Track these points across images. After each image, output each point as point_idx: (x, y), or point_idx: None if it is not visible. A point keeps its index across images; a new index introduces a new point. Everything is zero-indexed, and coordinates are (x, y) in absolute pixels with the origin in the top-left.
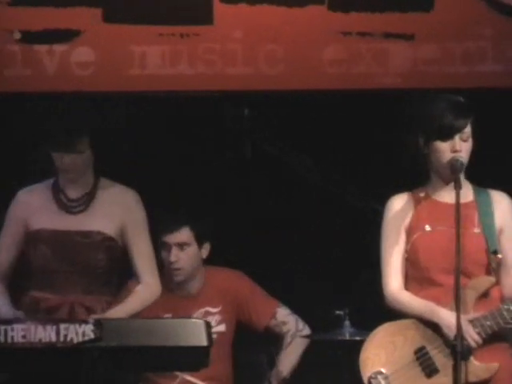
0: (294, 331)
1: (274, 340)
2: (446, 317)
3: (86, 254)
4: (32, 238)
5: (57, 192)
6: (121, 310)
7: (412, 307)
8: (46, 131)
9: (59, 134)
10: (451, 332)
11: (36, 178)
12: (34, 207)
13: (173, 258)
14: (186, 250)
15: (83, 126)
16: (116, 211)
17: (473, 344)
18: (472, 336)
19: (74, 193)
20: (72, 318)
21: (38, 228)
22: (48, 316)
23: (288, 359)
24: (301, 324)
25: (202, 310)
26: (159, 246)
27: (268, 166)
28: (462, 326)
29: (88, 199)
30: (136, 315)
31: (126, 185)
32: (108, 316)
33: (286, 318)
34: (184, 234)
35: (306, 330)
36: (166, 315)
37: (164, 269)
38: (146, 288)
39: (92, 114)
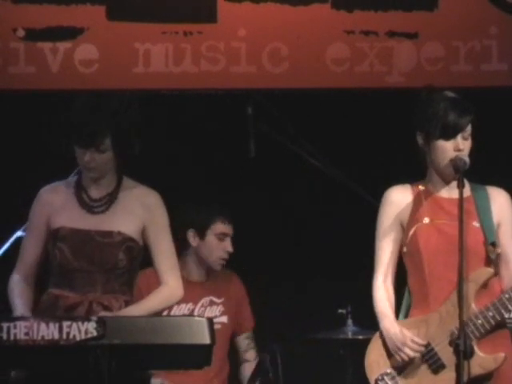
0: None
1: (277, 339)
2: (386, 328)
3: (105, 253)
4: (53, 236)
5: (79, 191)
6: (137, 310)
7: (375, 306)
8: (71, 126)
9: (82, 130)
10: (392, 345)
11: (53, 176)
12: (56, 205)
13: (230, 248)
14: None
15: (106, 126)
16: (137, 212)
17: (410, 354)
18: (410, 348)
19: (96, 193)
20: (79, 317)
21: (59, 226)
22: (66, 314)
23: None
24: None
25: (207, 299)
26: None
27: (272, 163)
28: (394, 336)
29: (110, 200)
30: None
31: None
32: (126, 314)
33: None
34: None
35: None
36: None
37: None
38: (167, 289)
39: (113, 115)
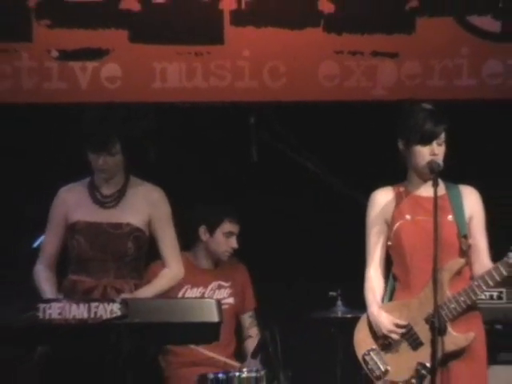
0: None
1: (276, 318)
2: (374, 315)
3: (116, 243)
4: (70, 229)
5: (92, 189)
6: (148, 290)
7: (365, 293)
8: (85, 135)
9: (97, 138)
10: (377, 327)
11: (73, 177)
12: (73, 202)
13: (235, 245)
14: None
15: (116, 133)
16: (143, 206)
17: (393, 336)
18: (390, 330)
19: (107, 190)
20: (104, 299)
21: (76, 220)
22: (84, 296)
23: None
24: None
25: (215, 283)
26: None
27: (272, 168)
28: (380, 321)
29: (119, 195)
30: (162, 294)
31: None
32: (138, 295)
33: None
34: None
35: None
36: (186, 285)
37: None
38: (171, 272)
39: (124, 123)
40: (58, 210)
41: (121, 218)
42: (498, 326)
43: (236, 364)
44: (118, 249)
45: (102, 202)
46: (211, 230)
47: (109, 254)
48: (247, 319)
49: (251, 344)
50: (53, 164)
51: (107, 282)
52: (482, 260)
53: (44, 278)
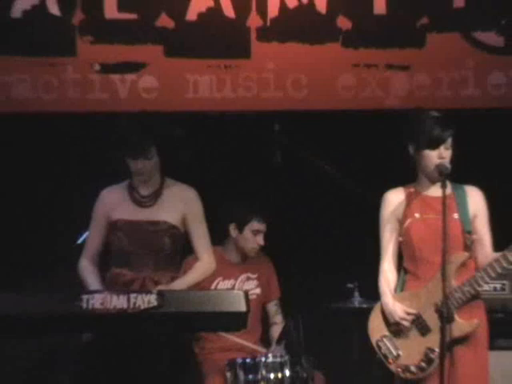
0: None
1: (299, 308)
2: (386, 305)
3: (154, 239)
4: (112, 227)
5: (131, 190)
6: (183, 282)
7: (380, 285)
8: (123, 142)
9: (134, 145)
10: (389, 315)
11: (114, 180)
12: (114, 203)
13: (262, 242)
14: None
15: (151, 139)
16: (178, 205)
17: (404, 323)
18: (402, 318)
19: (145, 191)
20: (142, 290)
21: (117, 219)
22: (124, 288)
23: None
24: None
25: (244, 276)
26: (245, 228)
27: (294, 169)
28: (392, 310)
29: (156, 196)
30: (196, 285)
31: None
32: (173, 286)
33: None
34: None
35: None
36: (218, 278)
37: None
38: (203, 265)
39: (157, 130)
40: (100, 209)
41: (158, 216)
42: (500, 315)
43: (262, 349)
44: (156, 244)
45: (141, 202)
46: (240, 228)
47: (147, 249)
48: (272, 308)
49: (276, 330)
50: (93, 167)
51: (146, 274)
52: (486, 253)
53: (89, 272)
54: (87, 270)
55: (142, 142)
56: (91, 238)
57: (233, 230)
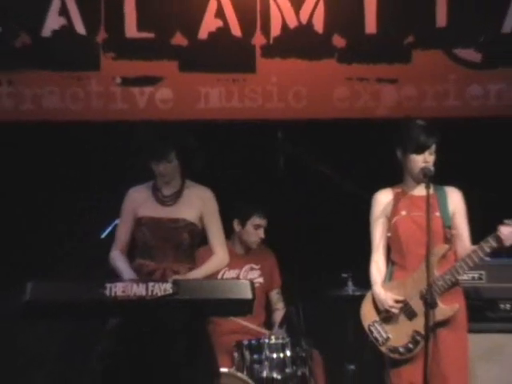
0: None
1: (299, 295)
2: (376, 293)
3: (174, 234)
4: (137, 223)
5: (155, 190)
6: (199, 273)
7: (370, 275)
8: (147, 147)
9: (157, 150)
10: (380, 303)
11: (139, 181)
12: (140, 201)
13: (262, 235)
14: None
15: (171, 145)
16: (196, 204)
17: (393, 310)
18: (390, 305)
19: (167, 191)
20: (164, 279)
21: (142, 216)
22: (147, 277)
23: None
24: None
25: (248, 266)
26: (248, 223)
27: (295, 172)
28: (382, 298)
29: (176, 196)
30: (210, 276)
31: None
32: (190, 276)
33: (281, 296)
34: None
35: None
36: (224, 268)
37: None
38: (218, 258)
39: (175, 138)
40: (128, 206)
41: (178, 214)
42: (477, 302)
43: (266, 331)
44: (176, 239)
45: (163, 201)
46: (243, 223)
47: (168, 243)
48: (275, 295)
49: (278, 315)
50: (119, 169)
51: (166, 265)
52: (464, 246)
53: (121, 261)
54: (119, 259)
55: (163, 148)
56: (120, 231)
57: (236, 225)
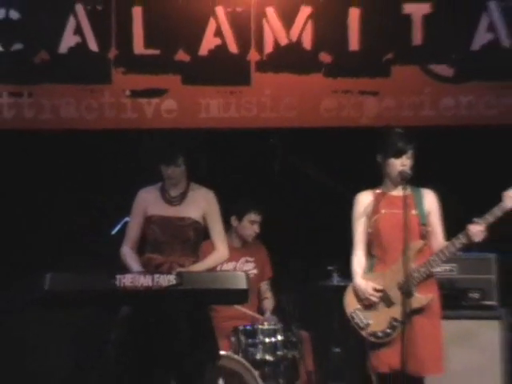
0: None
1: (290, 286)
2: (357, 283)
3: (181, 231)
4: (148, 221)
5: (163, 191)
6: (201, 266)
7: (352, 267)
8: (157, 152)
9: (167, 154)
10: (361, 292)
11: (146, 183)
12: (149, 201)
13: (258, 230)
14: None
15: (179, 151)
16: (200, 204)
17: (373, 299)
18: (370, 294)
19: (174, 192)
20: (170, 271)
21: (151, 214)
22: (156, 269)
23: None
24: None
25: (244, 259)
26: (244, 219)
27: (287, 174)
28: (363, 288)
29: (183, 196)
30: (211, 269)
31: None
32: (194, 268)
33: (270, 286)
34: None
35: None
36: None
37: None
38: (219, 253)
39: (184, 144)
40: (138, 205)
41: (184, 213)
42: (449, 291)
43: (260, 317)
44: (183, 235)
45: (170, 201)
46: (239, 219)
47: (175, 239)
48: (264, 286)
49: (267, 303)
50: (128, 173)
51: (173, 259)
52: (438, 241)
53: (130, 257)
54: (129, 255)
55: (172, 153)
56: (131, 229)
57: (234, 221)
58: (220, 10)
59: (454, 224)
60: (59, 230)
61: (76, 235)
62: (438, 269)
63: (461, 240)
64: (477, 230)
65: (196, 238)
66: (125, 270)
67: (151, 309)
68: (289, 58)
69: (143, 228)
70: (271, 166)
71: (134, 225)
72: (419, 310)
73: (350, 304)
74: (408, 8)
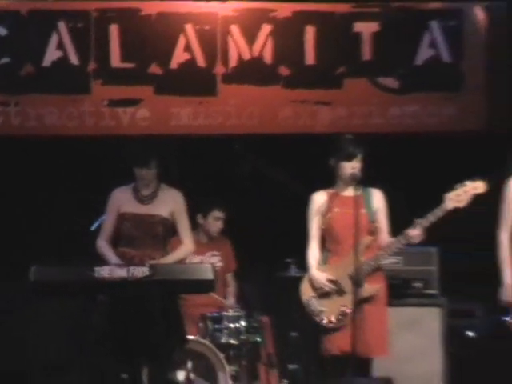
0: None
1: (252, 277)
2: (312, 274)
3: (151, 227)
4: (121, 218)
5: (136, 191)
6: (170, 259)
7: (307, 260)
8: (132, 156)
9: (140, 158)
10: (315, 282)
11: (123, 182)
12: (123, 199)
13: (221, 226)
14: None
15: (152, 155)
16: (169, 203)
17: (326, 288)
18: (324, 284)
19: (145, 192)
20: (142, 264)
21: (124, 212)
22: (128, 262)
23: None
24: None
25: (210, 253)
26: (209, 216)
27: (250, 176)
28: (318, 278)
29: (153, 196)
30: (179, 261)
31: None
32: (164, 261)
33: (234, 277)
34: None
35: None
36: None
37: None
38: (186, 247)
39: (156, 149)
40: (113, 203)
41: (154, 210)
42: (395, 281)
43: (226, 302)
44: (153, 231)
45: (142, 200)
46: (205, 216)
47: (147, 235)
48: (229, 277)
49: (230, 292)
50: (106, 174)
51: (145, 252)
52: (385, 237)
53: (107, 249)
54: (106, 247)
55: (145, 157)
56: (106, 225)
57: (200, 218)
58: (189, 28)
59: (399, 221)
60: (59, 229)
61: (57, 231)
62: (385, 261)
63: (401, 241)
64: (414, 234)
65: (165, 233)
66: (103, 261)
67: (126, 298)
68: (251, 71)
69: (117, 224)
70: (236, 168)
71: (108, 221)
72: (368, 299)
73: (306, 292)
74: (358, 27)
